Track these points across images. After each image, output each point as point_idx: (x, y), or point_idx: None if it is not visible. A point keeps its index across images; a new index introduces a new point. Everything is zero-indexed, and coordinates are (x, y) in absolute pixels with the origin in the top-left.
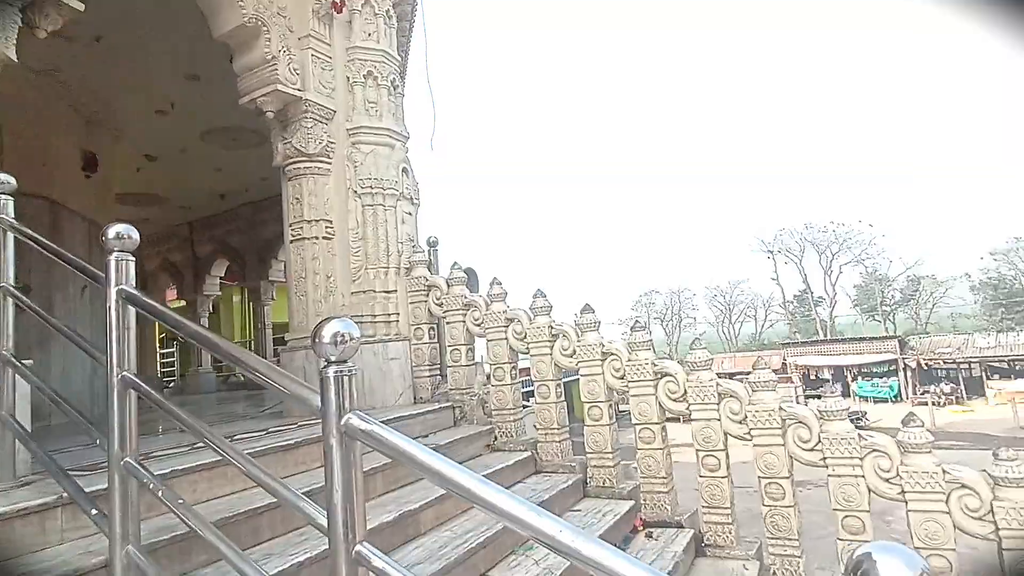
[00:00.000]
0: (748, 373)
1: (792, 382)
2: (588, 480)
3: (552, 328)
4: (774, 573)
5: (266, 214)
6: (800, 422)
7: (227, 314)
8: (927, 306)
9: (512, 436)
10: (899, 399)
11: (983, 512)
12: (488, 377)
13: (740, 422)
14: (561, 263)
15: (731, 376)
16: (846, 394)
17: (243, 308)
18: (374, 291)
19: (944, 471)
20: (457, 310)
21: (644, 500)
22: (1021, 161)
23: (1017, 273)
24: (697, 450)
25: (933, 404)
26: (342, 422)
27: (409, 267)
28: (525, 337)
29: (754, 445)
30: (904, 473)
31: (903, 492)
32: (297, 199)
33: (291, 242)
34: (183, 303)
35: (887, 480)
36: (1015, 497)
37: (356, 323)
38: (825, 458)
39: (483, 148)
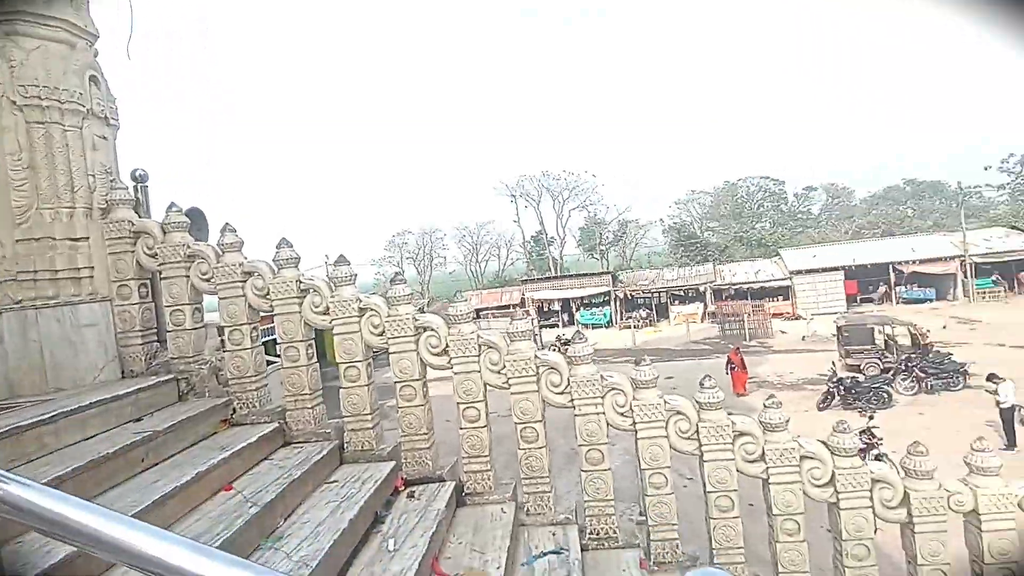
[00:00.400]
0: (495, 309)
1: (530, 315)
2: (346, 445)
3: (301, 283)
4: (527, 510)
5: None
6: (552, 368)
7: None
8: (631, 246)
9: (255, 407)
10: (611, 324)
11: (691, 432)
12: (222, 340)
13: (499, 372)
14: (309, 207)
15: (478, 312)
16: (571, 322)
17: None
18: (53, 238)
19: (665, 401)
20: (178, 262)
21: (406, 459)
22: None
23: (692, 219)
24: (458, 403)
25: (634, 327)
26: None
27: (106, 207)
28: (268, 294)
29: (512, 393)
30: (636, 407)
31: (635, 423)
32: None
33: None
34: None
35: (622, 414)
36: (715, 418)
37: (28, 280)
38: (573, 400)
39: (210, 70)
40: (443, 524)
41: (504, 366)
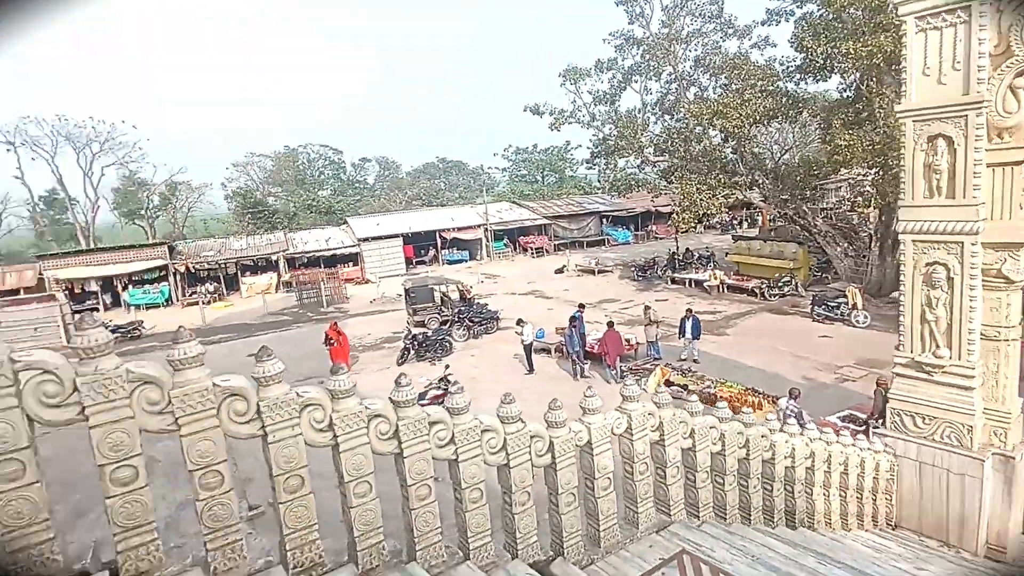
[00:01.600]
0: None
1: (56, 300)
2: None
3: None
4: (215, 570)
5: None
6: (236, 395)
7: None
8: (184, 211)
9: None
10: (171, 303)
11: (390, 433)
12: None
13: (161, 412)
14: None
15: None
16: (118, 303)
17: None
18: None
19: (366, 407)
20: None
21: (15, 564)
22: None
23: (255, 184)
24: (102, 464)
25: (202, 303)
26: None
27: None
28: None
29: (182, 436)
30: (337, 419)
31: (336, 437)
32: None
33: None
34: None
35: (321, 430)
36: (412, 415)
37: None
38: (264, 427)
39: None
40: None
41: (170, 402)
